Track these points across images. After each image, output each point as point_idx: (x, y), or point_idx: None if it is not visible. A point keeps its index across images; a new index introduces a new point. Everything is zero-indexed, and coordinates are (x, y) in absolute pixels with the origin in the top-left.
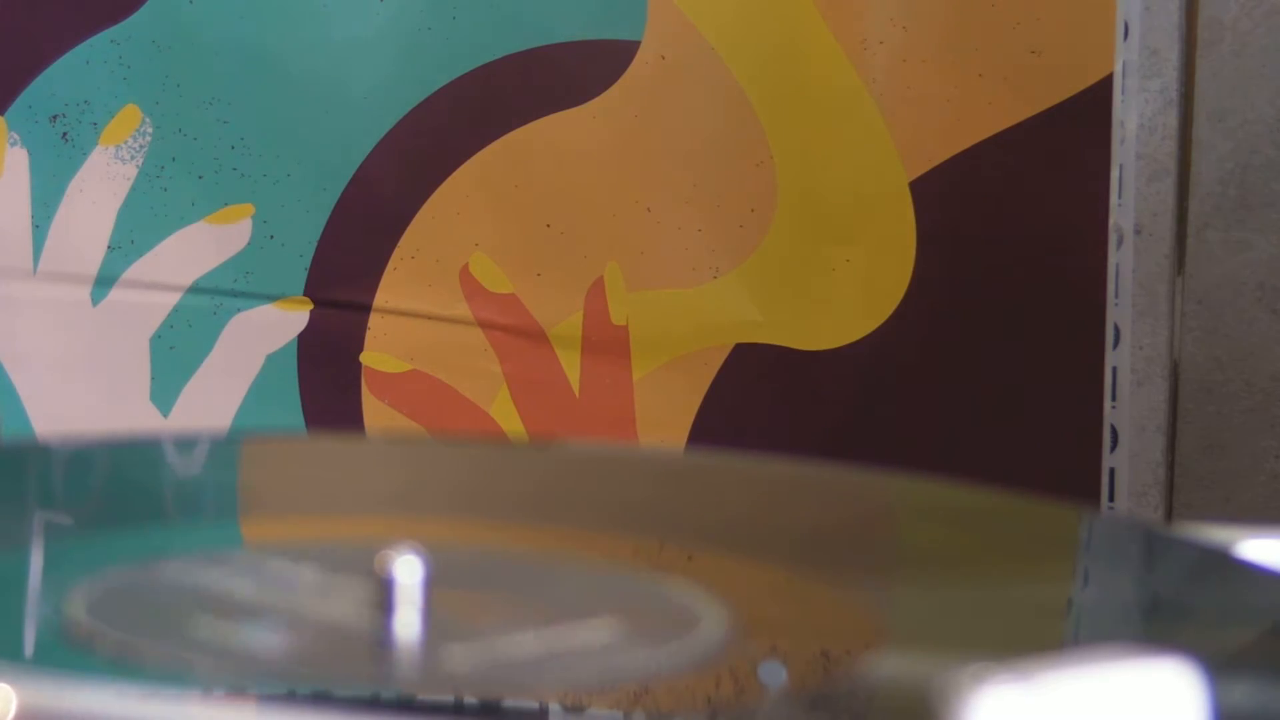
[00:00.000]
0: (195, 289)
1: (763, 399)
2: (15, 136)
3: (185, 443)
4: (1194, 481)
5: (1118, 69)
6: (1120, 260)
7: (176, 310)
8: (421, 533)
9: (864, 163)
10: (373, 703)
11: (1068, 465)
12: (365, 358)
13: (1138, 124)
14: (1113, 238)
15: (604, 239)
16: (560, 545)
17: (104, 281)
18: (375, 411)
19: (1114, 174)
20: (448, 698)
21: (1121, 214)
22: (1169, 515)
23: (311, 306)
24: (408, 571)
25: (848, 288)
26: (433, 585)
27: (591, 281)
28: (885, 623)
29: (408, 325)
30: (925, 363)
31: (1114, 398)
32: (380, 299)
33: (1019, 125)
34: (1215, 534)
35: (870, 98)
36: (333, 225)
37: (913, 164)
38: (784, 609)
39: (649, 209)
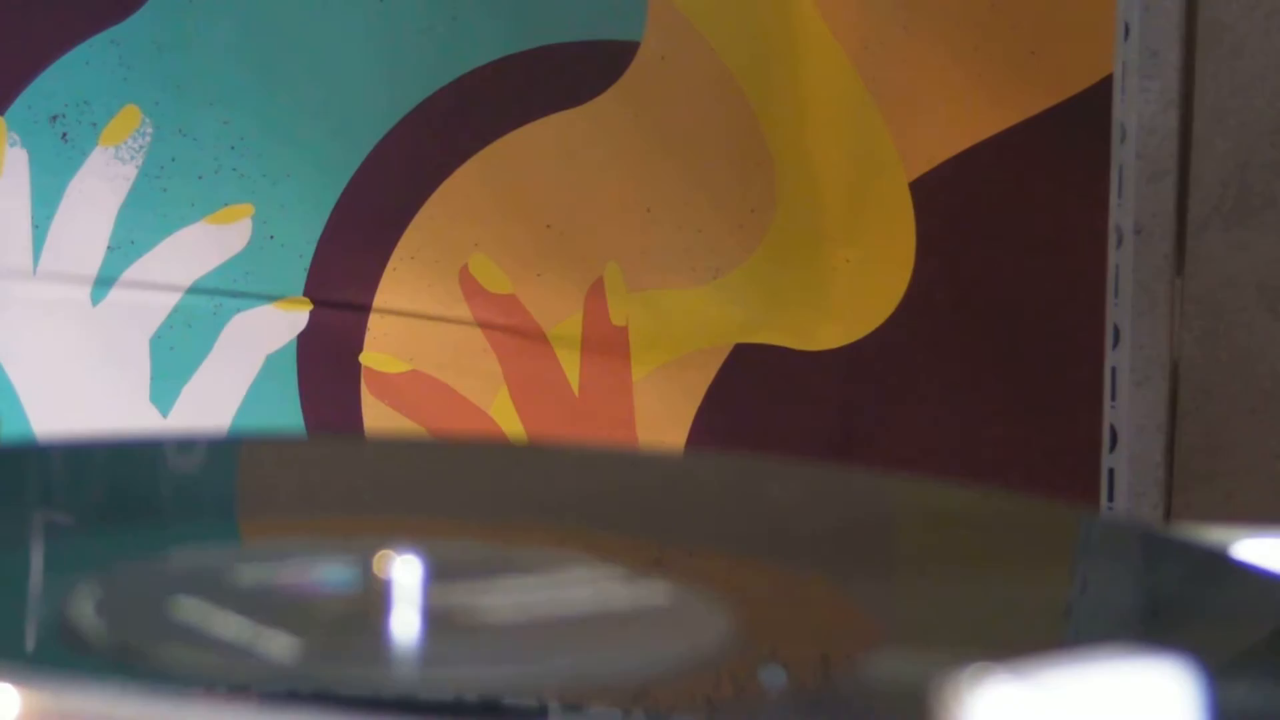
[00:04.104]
0: (195, 289)
1: (763, 399)
2: (15, 137)
3: (185, 443)
4: (1193, 482)
5: (1117, 70)
6: (1120, 260)
7: (176, 310)
8: (421, 533)
9: (864, 163)
10: (373, 702)
11: (1068, 465)
12: (365, 358)
13: (1137, 124)
14: (1112, 238)
15: (604, 239)
16: (560, 545)
17: (104, 282)
18: (375, 412)
19: (1114, 174)
20: (447, 697)
21: (1121, 214)
22: (1168, 516)
23: (311, 307)
24: (408, 571)
25: (847, 287)
26: (432, 585)
27: (591, 282)
28: (885, 623)
29: (407, 325)
30: (925, 363)
31: (1114, 398)
32: (380, 299)
33: (1019, 125)
34: (1214, 535)
35: (870, 98)
36: (332, 225)
37: (913, 164)
38: (784, 609)
39: (649, 209)
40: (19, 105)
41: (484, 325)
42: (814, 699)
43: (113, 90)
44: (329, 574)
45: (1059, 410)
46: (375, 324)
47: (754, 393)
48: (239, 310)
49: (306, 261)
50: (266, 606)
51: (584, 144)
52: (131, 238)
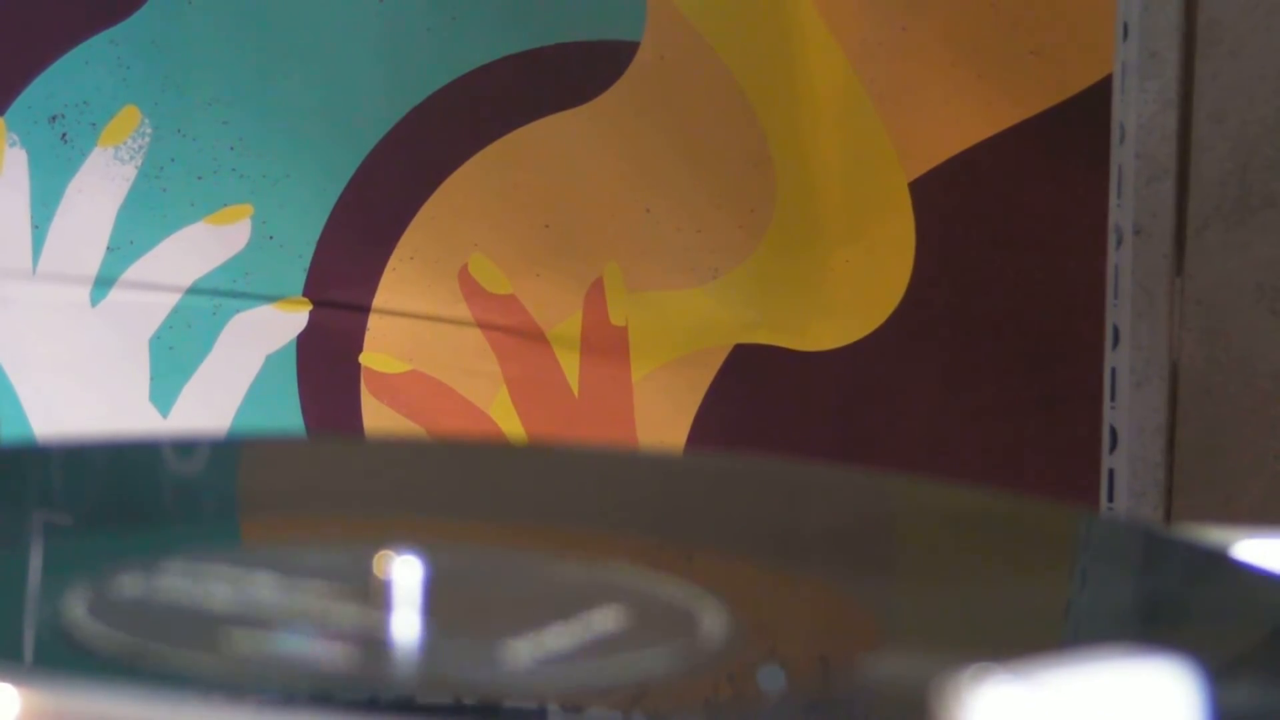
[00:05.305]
0: (194, 289)
1: (763, 399)
2: (15, 137)
3: (184, 443)
4: (1193, 482)
5: (1117, 70)
6: (1120, 260)
7: (176, 311)
8: (421, 533)
9: (863, 163)
10: (372, 704)
11: (1068, 465)
12: (364, 358)
13: (1137, 124)
14: (1112, 238)
15: (604, 239)
16: (560, 545)
17: (103, 282)
18: (374, 412)
19: (1113, 174)
20: (446, 699)
21: (1121, 214)
22: (1168, 516)
23: (310, 307)
24: (408, 571)
25: (847, 288)
26: (433, 585)
27: (591, 282)
28: (885, 623)
29: (407, 326)
30: (925, 363)
31: (1113, 398)
32: (379, 300)
33: (1019, 126)
34: (1214, 535)
35: (870, 98)
36: (332, 226)
37: (912, 164)
38: (784, 609)
39: (649, 209)
40: (19, 105)
41: (484, 325)
42: (814, 700)
43: (112, 90)
44: (328, 574)
45: (1059, 411)
46: (375, 324)
47: (754, 393)
48: (239, 310)
49: (306, 262)
50: (266, 607)
51: (584, 144)
52: (131, 238)
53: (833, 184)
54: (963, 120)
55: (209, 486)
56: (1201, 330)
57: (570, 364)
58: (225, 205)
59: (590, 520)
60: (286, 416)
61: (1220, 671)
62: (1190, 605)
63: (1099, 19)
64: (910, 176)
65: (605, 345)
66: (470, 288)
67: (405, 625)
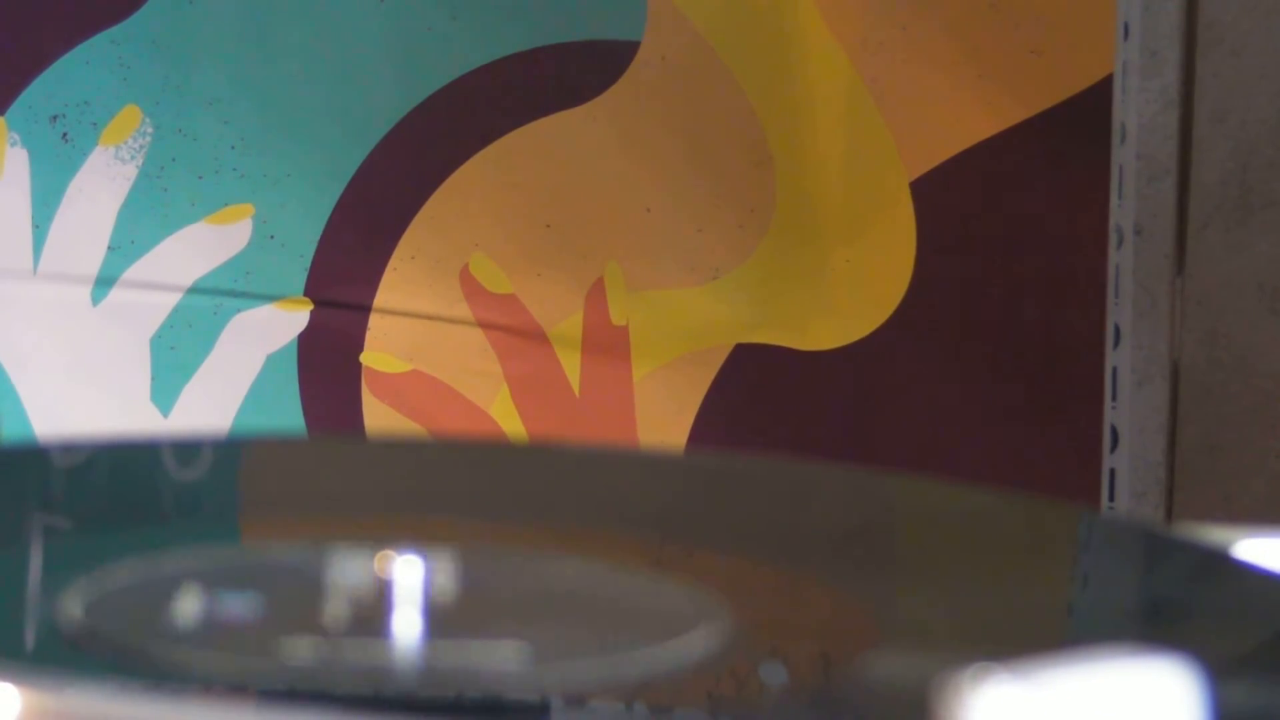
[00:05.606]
0: (195, 289)
1: (763, 399)
2: (15, 137)
3: (185, 443)
4: (1194, 482)
5: (1118, 69)
6: (1120, 260)
7: (177, 310)
8: (421, 533)
9: (864, 163)
10: (374, 701)
11: (1068, 465)
12: (365, 358)
13: (1138, 124)
14: (1113, 238)
15: (604, 239)
16: (560, 545)
17: (104, 282)
18: (375, 412)
19: (1114, 174)
20: (449, 695)
21: (1121, 214)
22: (1169, 516)
23: (311, 307)
24: (408, 571)
25: (848, 288)
26: (433, 585)
27: (592, 282)
28: (885, 623)
29: (408, 325)
30: (925, 363)
31: (1114, 398)
32: (380, 299)
33: (1019, 126)
34: (1215, 535)
35: (870, 98)
36: (333, 225)
37: (913, 164)
38: (784, 609)
39: (649, 209)
40: (19, 105)
41: (484, 325)
42: (814, 698)
43: (113, 90)
44: (329, 573)
45: (1059, 410)
46: (376, 324)
47: (754, 393)
48: (239, 310)
49: (307, 261)
50: (266, 606)
51: (584, 144)
52: (132, 238)
53: (834, 183)
54: (964, 120)
55: (209, 486)
56: (1202, 330)
57: (571, 363)
58: (226, 205)
59: (591, 519)
60: (287, 416)
61: (1220, 671)
62: (1190, 605)
63: (1099, 19)
64: (911, 176)
65: (606, 345)
66: (471, 287)
67: (406, 623)
